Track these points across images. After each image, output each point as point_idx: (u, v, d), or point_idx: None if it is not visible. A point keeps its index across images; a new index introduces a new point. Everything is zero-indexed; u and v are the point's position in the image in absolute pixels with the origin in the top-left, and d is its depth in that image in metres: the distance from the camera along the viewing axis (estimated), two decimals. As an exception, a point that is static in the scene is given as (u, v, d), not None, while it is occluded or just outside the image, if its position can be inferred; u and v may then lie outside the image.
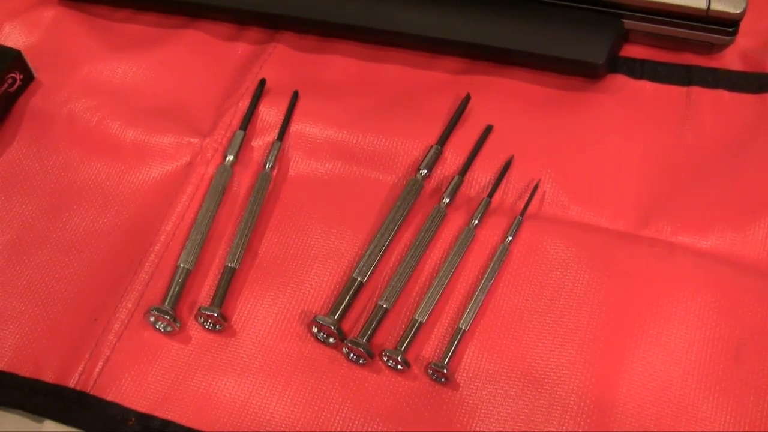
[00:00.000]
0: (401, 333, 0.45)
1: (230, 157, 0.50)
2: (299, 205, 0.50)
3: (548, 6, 0.52)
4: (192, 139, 0.52)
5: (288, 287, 0.47)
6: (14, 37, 0.58)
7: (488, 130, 0.51)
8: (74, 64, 0.56)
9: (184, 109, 0.54)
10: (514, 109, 0.52)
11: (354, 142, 0.51)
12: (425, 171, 0.49)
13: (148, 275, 0.47)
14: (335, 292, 0.47)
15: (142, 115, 0.53)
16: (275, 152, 0.50)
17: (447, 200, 0.48)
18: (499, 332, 0.45)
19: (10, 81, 0.53)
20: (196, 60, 0.56)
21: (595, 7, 0.51)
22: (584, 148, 0.50)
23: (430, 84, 0.54)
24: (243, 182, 0.51)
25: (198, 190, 0.50)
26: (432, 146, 0.50)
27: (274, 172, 0.51)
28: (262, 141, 0.52)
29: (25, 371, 0.46)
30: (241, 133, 0.51)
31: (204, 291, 0.48)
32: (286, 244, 0.49)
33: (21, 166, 0.53)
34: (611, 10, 0.51)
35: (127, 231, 0.50)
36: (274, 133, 0.53)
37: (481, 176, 0.50)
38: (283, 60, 0.55)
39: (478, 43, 0.53)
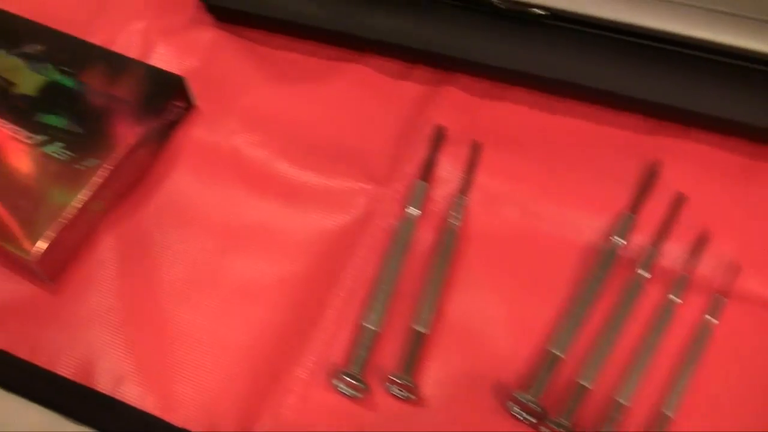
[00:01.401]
0: (601, 413, 0.45)
1: (414, 210, 0.49)
2: (484, 263, 0.49)
3: (734, 67, 0.51)
4: (368, 186, 0.52)
5: (477, 355, 0.46)
6: (169, 59, 0.57)
7: (681, 200, 0.49)
8: (234, 94, 0.55)
9: (357, 152, 0.52)
10: (705, 177, 0.51)
11: (537, 199, 0.50)
12: (620, 240, 0.48)
13: (329, 333, 0.46)
14: (527, 363, 0.46)
15: (312, 156, 0.52)
16: (460, 207, 0.49)
17: (644, 273, 0.47)
18: (705, 419, 0.44)
19: (172, 109, 0.51)
20: (364, 97, 0.55)
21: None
22: None
23: (612, 141, 0.53)
24: (425, 236, 0.50)
25: (377, 242, 0.49)
26: (625, 213, 0.49)
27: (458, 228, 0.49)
28: (441, 192, 0.51)
29: (199, 427, 0.44)
30: (423, 184, 0.50)
31: (388, 353, 0.47)
32: (472, 306, 0.48)
33: (185, 198, 0.52)
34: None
35: (303, 280, 0.48)
36: (452, 184, 0.52)
37: (672, 247, 0.50)
38: (455, 104, 0.54)
39: (662, 103, 0.51)
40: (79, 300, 0.49)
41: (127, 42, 0.58)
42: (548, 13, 0.51)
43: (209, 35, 0.57)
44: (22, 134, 0.51)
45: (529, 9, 0.51)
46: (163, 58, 0.57)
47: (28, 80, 0.53)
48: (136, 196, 0.51)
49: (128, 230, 0.50)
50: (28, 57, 0.54)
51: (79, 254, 0.50)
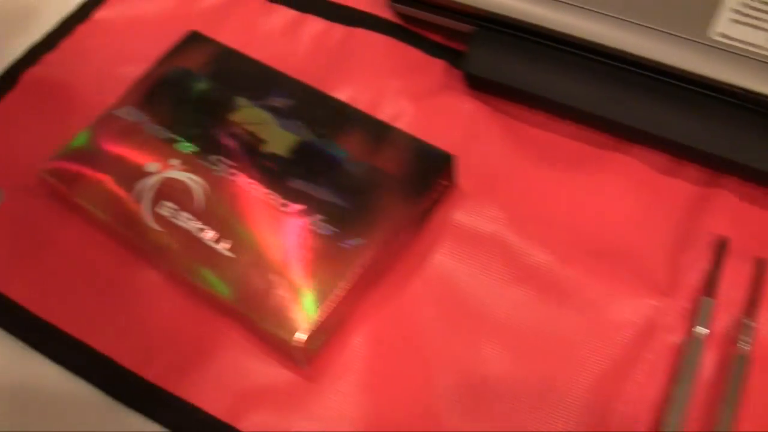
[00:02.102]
0: None
1: (703, 330, 0.45)
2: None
3: None
4: (647, 294, 0.49)
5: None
6: (422, 127, 0.55)
7: None
8: (494, 175, 0.53)
9: (630, 253, 0.50)
10: None
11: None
12: None
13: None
14: None
15: (578, 250, 0.50)
16: (749, 330, 0.45)
17: None
18: None
19: (438, 187, 0.48)
20: (632, 193, 0.52)
21: None
22: None
23: None
24: (709, 359, 0.47)
25: (660, 361, 0.45)
26: None
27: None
28: (725, 311, 0.47)
29: None
30: (709, 301, 0.46)
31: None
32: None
33: (444, 282, 0.51)
34: None
35: (567, 385, 0.46)
36: (736, 304, 0.49)
37: None
38: (732, 211, 0.51)
39: None
40: (334, 386, 0.47)
41: (374, 102, 0.56)
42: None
43: (467, 106, 0.55)
44: (276, 200, 0.47)
45: None
46: (416, 125, 0.55)
47: (278, 138, 0.50)
48: (393, 279, 0.48)
49: (383, 316, 0.47)
50: (276, 111, 0.51)
51: (335, 337, 0.47)
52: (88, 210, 0.50)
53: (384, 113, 0.54)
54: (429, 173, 0.49)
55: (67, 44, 0.62)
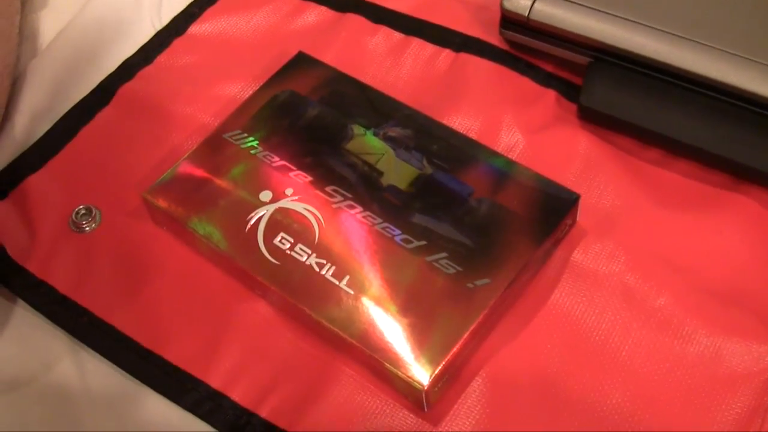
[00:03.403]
0: None
1: None
2: None
3: None
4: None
5: None
6: (535, 159, 0.56)
7: None
8: (613, 213, 0.55)
9: (754, 299, 0.52)
10: None
11: None
12: None
13: None
14: None
15: (704, 297, 0.52)
16: None
17: None
18: None
19: (563, 227, 0.50)
20: (752, 234, 0.54)
21: None
22: None
23: None
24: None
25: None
26: None
27: None
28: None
29: None
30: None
31: None
32: None
33: (564, 323, 0.52)
34: None
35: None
36: None
37: None
38: None
39: None
40: (454, 429, 0.48)
41: (486, 132, 0.58)
42: None
43: (582, 141, 0.56)
44: (397, 235, 0.49)
45: None
46: (531, 159, 0.56)
47: (397, 170, 0.52)
48: (513, 319, 0.50)
49: (505, 356, 0.49)
50: (393, 141, 0.53)
51: (457, 378, 0.49)
52: (198, 237, 0.51)
53: (496, 144, 0.56)
54: (555, 213, 0.50)
55: (162, 59, 0.63)
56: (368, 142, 0.53)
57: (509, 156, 0.55)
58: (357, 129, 0.54)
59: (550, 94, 0.59)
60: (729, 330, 0.50)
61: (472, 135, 0.56)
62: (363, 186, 0.51)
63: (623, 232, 0.53)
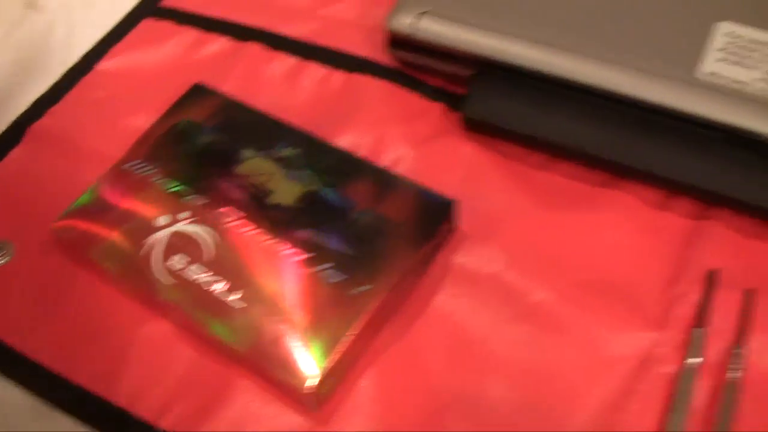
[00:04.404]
0: None
1: (695, 360, 0.52)
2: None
3: None
4: (643, 328, 0.55)
5: None
6: (423, 171, 0.62)
7: None
8: (494, 217, 0.60)
9: (626, 290, 0.56)
10: None
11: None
12: None
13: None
14: None
15: (578, 289, 0.56)
16: (739, 359, 0.52)
17: None
18: None
19: (441, 233, 0.55)
20: (628, 229, 0.59)
21: None
22: None
23: None
24: (702, 387, 0.53)
25: (655, 392, 0.52)
26: None
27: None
28: (717, 340, 0.54)
29: None
30: (701, 331, 0.53)
31: None
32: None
33: (447, 324, 0.57)
34: None
35: (582, 421, 0.52)
36: (728, 333, 0.55)
37: None
38: (723, 244, 0.58)
39: None
40: (344, 428, 0.53)
41: (374, 148, 0.63)
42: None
43: (465, 149, 0.62)
44: (284, 249, 0.54)
45: None
46: (416, 170, 0.61)
47: (285, 188, 0.57)
48: (398, 323, 0.55)
49: (390, 359, 0.54)
50: (282, 162, 0.58)
51: (344, 380, 0.54)
52: (101, 264, 0.57)
53: (385, 159, 0.61)
54: (432, 219, 0.56)
55: (71, 96, 0.69)
56: (259, 164, 0.59)
57: (397, 169, 0.61)
58: (248, 152, 0.59)
59: (438, 107, 0.64)
60: (604, 319, 0.55)
61: (363, 151, 0.62)
62: (253, 205, 0.57)
63: (504, 234, 0.58)
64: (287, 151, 0.59)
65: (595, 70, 0.59)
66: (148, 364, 0.55)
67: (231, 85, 0.66)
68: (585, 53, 0.59)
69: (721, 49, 0.59)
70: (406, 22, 0.62)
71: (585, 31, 0.61)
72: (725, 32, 0.60)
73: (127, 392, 0.54)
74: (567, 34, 0.61)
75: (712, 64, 0.58)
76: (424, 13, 0.62)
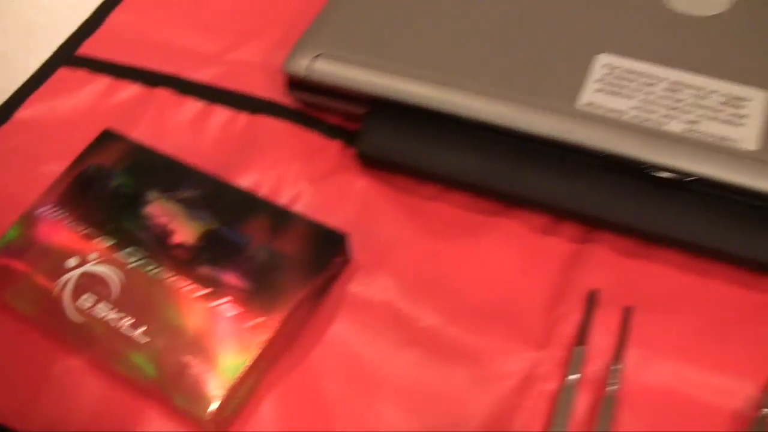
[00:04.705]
0: None
1: (575, 376, 0.57)
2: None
3: None
4: (525, 349, 0.59)
5: None
6: (320, 207, 0.66)
7: None
8: (387, 247, 0.63)
9: (511, 313, 0.60)
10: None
11: (689, 364, 0.58)
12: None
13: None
14: None
15: (466, 314, 0.60)
16: (616, 374, 0.57)
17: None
18: None
19: (334, 265, 0.60)
20: (515, 254, 0.63)
21: None
22: None
23: (755, 307, 0.60)
24: (582, 401, 0.57)
25: (538, 408, 0.56)
26: None
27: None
28: (597, 357, 0.58)
29: None
30: (581, 349, 0.58)
31: None
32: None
33: (343, 352, 0.60)
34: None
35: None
36: (607, 349, 0.59)
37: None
38: (604, 264, 0.62)
39: None
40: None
41: (275, 187, 0.67)
42: (697, 179, 0.59)
43: (360, 183, 0.65)
44: (186, 286, 0.58)
45: (681, 177, 0.60)
46: (314, 206, 0.65)
47: (186, 228, 0.61)
48: (296, 351, 0.59)
49: (289, 385, 0.58)
50: (185, 202, 0.62)
51: (244, 408, 0.58)
52: (14, 306, 0.60)
53: (285, 196, 0.65)
54: (324, 252, 0.60)
55: (-11, 145, 0.72)
56: (163, 206, 0.63)
57: (296, 205, 0.65)
58: (153, 195, 0.63)
59: (336, 144, 0.68)
60: (489, 341, 0.59)
61: (264, 189, 0.66)
62: (157, 245, 0.61)
63: (396, 263, 0.62)
64: (189, 193, 0.63)
65: (479, 105, 0.63)
66: (60, 399, 0.59)
67: (141, 130, 0.70)
68: (471, 89, 0.64)
69: (599, 80, 0.63)
70: (302, 65, 0.66)
71: (472, 67, 0.65)
72: (603, 64, 0.64)
73: (40, 427, 0.58)
74: (454, 71, 0.65)
75: (591, 95, 0.63)
76: (318, 55, 0.66)
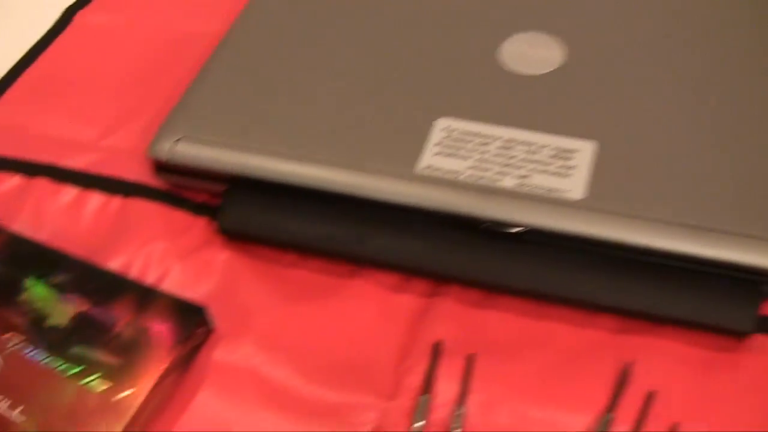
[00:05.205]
0: None
1: (420, 423, 0.63)
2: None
3: (693, 273, 0.66)
4: (375, 401, 0.65)
5: None
6: (186, 282, 0.72)
7: (651, 396, 0.64)
8: (249, 315, 0.69)
9: (364, 367, 0.66)
10: (673, 372, 0.66)
11: (527, 403, 0.64)
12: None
13: None
14: None
15: (324, 373, 0.66)
16: (459, 418, 0.64)
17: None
18: None
19: (196, 336, 0.66)
20: (366, 312, 0.69)
21: (736, 274, 0.65)
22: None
23: (590, 342, 0.67)
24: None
25: (388, 456, 0.62)
26: (605, 414, 0.63)
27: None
28: (443, 403, 0.65)
29: None
30: (426, 398, 0.64)
31: None
32: None
33: (209, 420, 0.65)
34: (752, 277, 0.65)
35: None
36: (452, 395, 0.65)
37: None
38: (450, 316, 0.68)
39: (633, 309, 0.67)
40: None
41: (144, 266, 0.73)
42: (526, 230, 0.66)
43: (223, 257, 0.72)
44: (58, 366, 0.65)
45: (509, 229, 0.67)
46: (181, 282, 0.71)
47: (59, 311, 0.68)
48: (165, 418, 0.65)
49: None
50: (57, 287, 0.69)
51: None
52: None
53: (153, 274, 0.71)
54: (186, 325, 0.66)
55: None
56: (38, 291, 0.69)
57: (164, 282, 0.71)
58: (29, 282, 0.70)
59: (202, 221, 0.75)
60: (344, 396, 0.66)
61: (134, 269, 0.72)
62: (33, 329, 0.67)
63: (259, 330, 0.68)
64: (62, 278, 0.69)
65: (326, 175, 0.70)
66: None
67: (21, 219, 0.76)
68: (319, 161, 0.70)
69: (438, 144, 0.70)
70: (165, 149, 0.73)
71: (320, 140, 0.72)
72: (442, 127, 0.71)
73: None
74: (304, 145, 0.72)
75: (430, 158, 0.70)
76: (179, 139, 0.73)
